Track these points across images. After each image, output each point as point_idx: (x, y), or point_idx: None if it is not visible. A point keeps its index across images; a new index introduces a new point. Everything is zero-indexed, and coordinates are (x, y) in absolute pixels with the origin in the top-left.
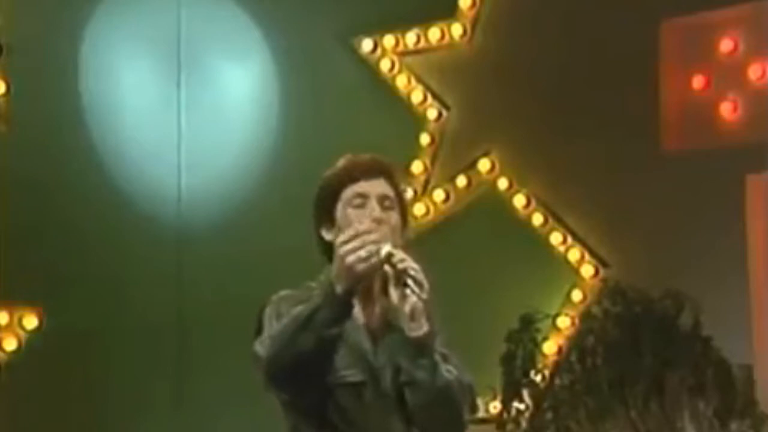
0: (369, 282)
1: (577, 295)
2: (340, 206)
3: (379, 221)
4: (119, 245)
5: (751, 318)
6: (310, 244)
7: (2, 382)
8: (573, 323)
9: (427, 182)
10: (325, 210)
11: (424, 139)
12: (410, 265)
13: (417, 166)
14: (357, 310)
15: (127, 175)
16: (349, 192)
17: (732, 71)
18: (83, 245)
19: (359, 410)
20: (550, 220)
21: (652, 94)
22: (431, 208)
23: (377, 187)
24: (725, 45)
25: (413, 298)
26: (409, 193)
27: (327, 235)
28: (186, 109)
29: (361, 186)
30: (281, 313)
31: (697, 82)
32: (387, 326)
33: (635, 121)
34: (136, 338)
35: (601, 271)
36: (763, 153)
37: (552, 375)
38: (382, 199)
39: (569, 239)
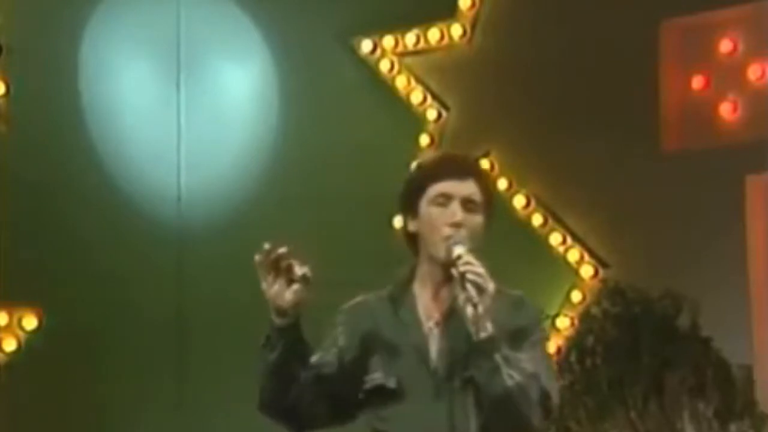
0: (438, 271)
1: (576, 296)
2: (424, 201)
3: (458, 225)
4: (119, 245)
5: (750, 318)
6: (310, 244)
7: (2, 382)
8: (572, 324)
9: None
10: (409, 202)
11: (424, 139)
12: (471, 269)
13: None
14: (422, 300)
15: (127, 175)
16: (434, 189)
17: (732, 71)
18: (83, 245)
19: (392, 411)
20: (550, 221)
21: (652, 94)
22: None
23: (464, 188)
24: (725, 45)
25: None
26: None
27: (409, 226)
28: (186, 109)
29: (448, 185)
30: (336, 324)
31: (697, 82)
32: (452, 313)
33: (635, 122)
34: (136, 338)
35: (601, 272)
36: (763, 153)
37: None
38: (466, 201)
39: (569, 239)
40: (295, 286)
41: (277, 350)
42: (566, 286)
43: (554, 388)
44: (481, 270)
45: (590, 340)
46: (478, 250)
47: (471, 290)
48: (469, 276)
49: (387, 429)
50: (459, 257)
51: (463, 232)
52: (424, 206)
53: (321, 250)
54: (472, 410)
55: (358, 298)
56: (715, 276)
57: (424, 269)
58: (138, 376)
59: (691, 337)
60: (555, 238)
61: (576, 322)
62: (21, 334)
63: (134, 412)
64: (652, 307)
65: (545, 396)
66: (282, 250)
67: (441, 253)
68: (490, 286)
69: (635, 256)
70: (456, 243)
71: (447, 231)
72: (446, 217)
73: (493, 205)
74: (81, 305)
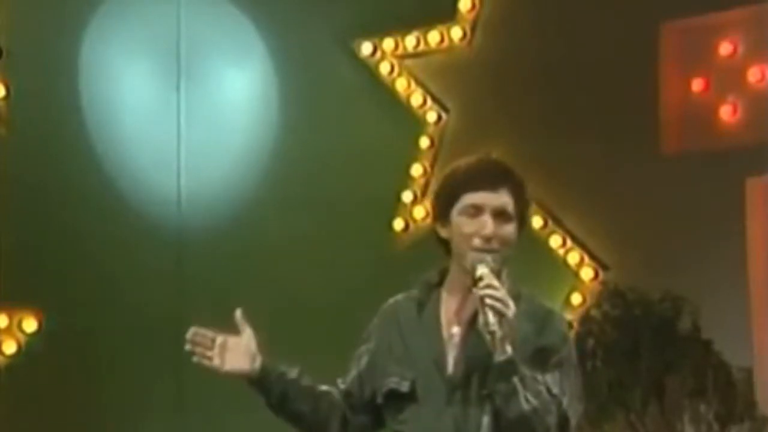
0: (466, 278)
1: (576, 298)
2: (455, 210)
3: (488, 239)
4: (119, 247)
5: (750, 321)
6: (309, 244)
7: (2, 384)
8: (572, 326)
9: (426, 185)
10: (442, 208)
11: (424, 142)
12: (491, 293)
13: (416, 169)
14: (447, 305)
15: (127, 176)
16: (466, 199)
17: (731, 74)
18: (83, 247)
19: (407, 415)
20: (550, 223)
21: (652, 96)
22: (431, 211)
23: (495, 199)
24: (725, 48)
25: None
26: (409, 196)
27: (441, 232)
28: (185, 111)
29: (480, 197)
30: (370, 328)
31: (697, 84)
32: (475, 322)
33: (635, 124)
34: (136, 340)
35: (601, 274)
36: (763, 156)
37: None
38: (497, 212)
39: (569, 242)
40: (236, 362)
41: (265, 398)
42: (566, 289)
43: (576, 409)
44: (500, 294)
45: (590, 342)
46: (510, 257)
47: (489, 315)
48: (488, 301)
49: (403, 430)
50: (480, 278)
51: (494, 244)
52: (455, 215)
53: (320, 252)
54: (486, 427)
55: (391, 300)
56: (716, 278)
57: (453, 275)
58: (138, 377)
59: (692, 340)
60: (555, 241)
61: (576, 324)
62: (21, 336)
63: (134, 413)
64: (652, 310)
65: (564, 419)
66: (198, 338)
67: (469, 264)
68: (510, 311)
69: (635, 258)
70: (480, 262)
71: (476, 242)
72: (476, 227)
73: (527, 211)
74: (81, 307)
